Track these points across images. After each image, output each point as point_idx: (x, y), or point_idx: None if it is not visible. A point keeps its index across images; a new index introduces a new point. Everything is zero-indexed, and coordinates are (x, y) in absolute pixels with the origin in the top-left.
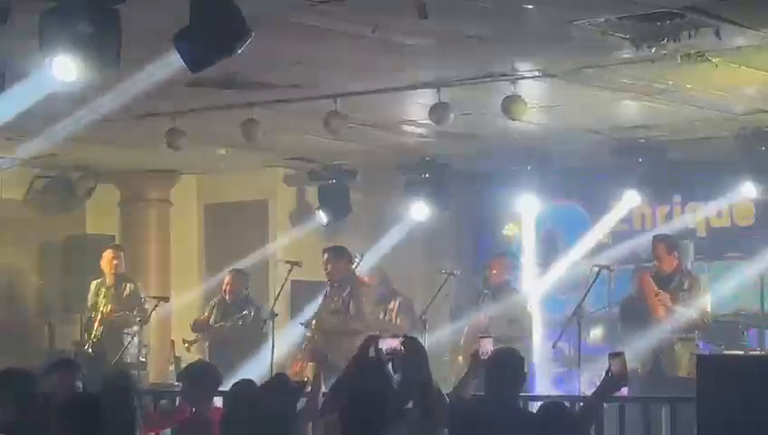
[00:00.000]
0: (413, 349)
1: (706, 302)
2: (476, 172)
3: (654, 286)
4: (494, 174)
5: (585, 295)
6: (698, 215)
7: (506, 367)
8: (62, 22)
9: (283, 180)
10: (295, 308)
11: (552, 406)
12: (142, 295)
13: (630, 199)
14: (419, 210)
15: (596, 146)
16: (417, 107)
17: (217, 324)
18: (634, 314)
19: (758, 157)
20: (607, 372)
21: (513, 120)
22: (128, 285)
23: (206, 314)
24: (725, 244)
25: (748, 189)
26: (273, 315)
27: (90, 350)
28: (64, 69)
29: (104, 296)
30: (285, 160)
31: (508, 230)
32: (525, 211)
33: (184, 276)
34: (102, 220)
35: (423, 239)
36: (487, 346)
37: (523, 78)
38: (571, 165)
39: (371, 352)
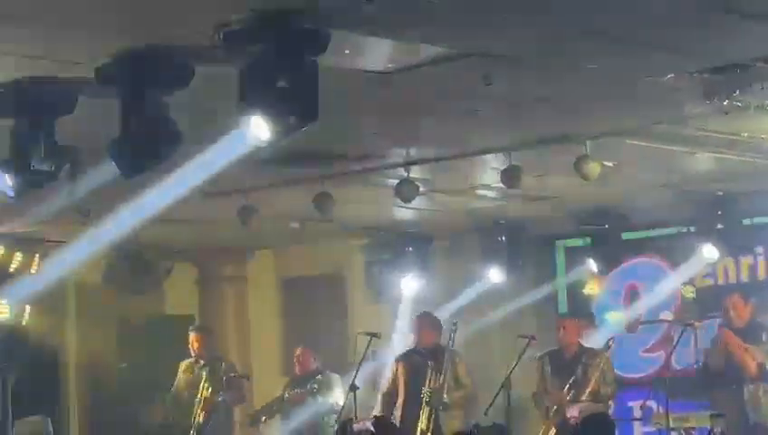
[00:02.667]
0: (383, 428)
1: None
2: (550, 234)
3: (740, 341)
4: (570, 234)
5: (671, 353)
6: None
7: (599, 431)
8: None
9: (359, 251)
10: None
11: None
12: (233, 373)
13: (708, 253)
14: (496, 274)
15: (671, 202)
16: (488, 171)
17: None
18: (722, 369)
19: None
20: (709, 433)
21: (586, 180)
22: (222, 364)
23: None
24: None
25: None
26: (355, 388)
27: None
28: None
29: (205, 381)
30: (360, 231)
31: (588, 289)
32: (601, 270)
33: (264, 352)
34: (181, 299)
35: (498, 303)
36: (574, 412)
37: (594, 138)
38: (648, 221)
39: (347, 433)
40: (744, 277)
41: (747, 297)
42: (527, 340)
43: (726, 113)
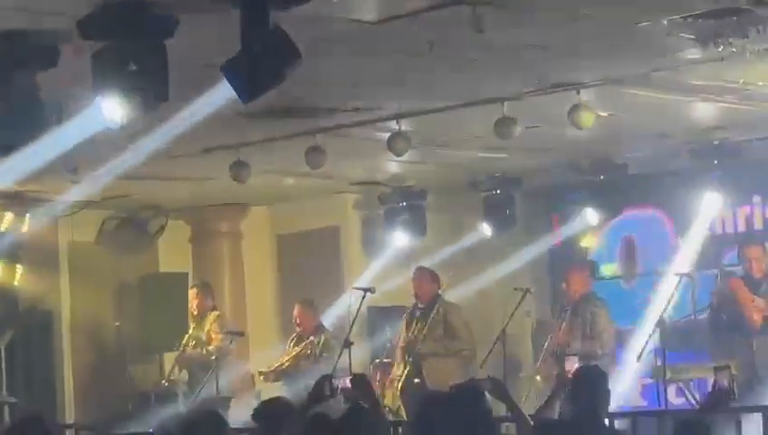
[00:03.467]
0: (360, 385)
1: None
2: (548, 185)
3: (748, 292)
4: (566, 186)
5: (667, 305)
6: None
7: (589, 385)
8: (112, 62)
9: (353, 206)
10: (374, 335)
11: None
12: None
13: (712, 203)
14: (488, 228)
15: (669, 151)
16: (481, 122)
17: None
18: (727, 320)
19: None
20: (713, 386)
21: (581, 129)
22: (211, 313)
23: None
24: None
25: None
26: (349, 344)
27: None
28: (113, 109)
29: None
30: (353, 186)
31: (586, 242)
32: (604, 222)
33: (260, 308)
34: (175, 257)
35: (495, 256)
36: (574, 365)
37: (588, 86)
38: (645, 171)
39: (326, 390)
40: (741, 227)
41: (763, 246)
42: (523, 293)
43: (722, 60)
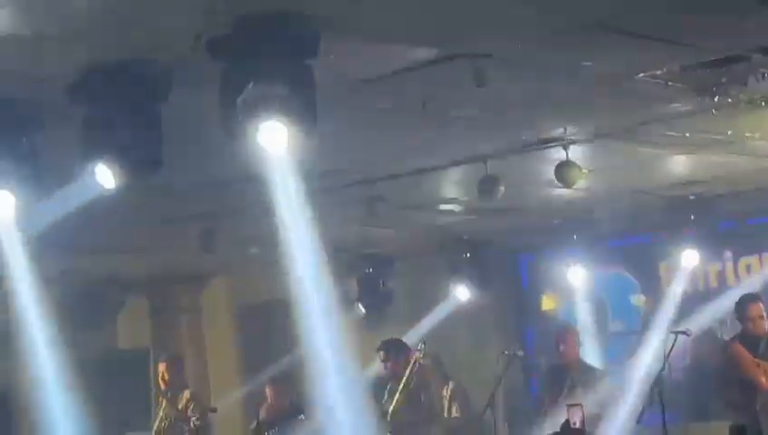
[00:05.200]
0: None
1: None
2: (519, 247)
3: (751, 357)
4: (538, 247)
5: (665, 364)
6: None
7: None
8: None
9: None
10: None
11: None
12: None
13: (689, 259)
14: (462, 292)
15: (645, 206)
16: (456, 184)
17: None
18: (732, 386)
19: None
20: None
21: (570, 186)
22: (184, 392)
23: None
24: None
25: None
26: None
27: None
28: (106, 176)
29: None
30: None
31: (545, 305)
32: (575, 282)
33: (223, 383)
34: (135, 333)
35: (467, 322)
36: (578, 415)
37: (577, 142)
38: (619, 229)
39: None
40: (713, 284)
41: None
42: (508, 356)
43: (714, 111)
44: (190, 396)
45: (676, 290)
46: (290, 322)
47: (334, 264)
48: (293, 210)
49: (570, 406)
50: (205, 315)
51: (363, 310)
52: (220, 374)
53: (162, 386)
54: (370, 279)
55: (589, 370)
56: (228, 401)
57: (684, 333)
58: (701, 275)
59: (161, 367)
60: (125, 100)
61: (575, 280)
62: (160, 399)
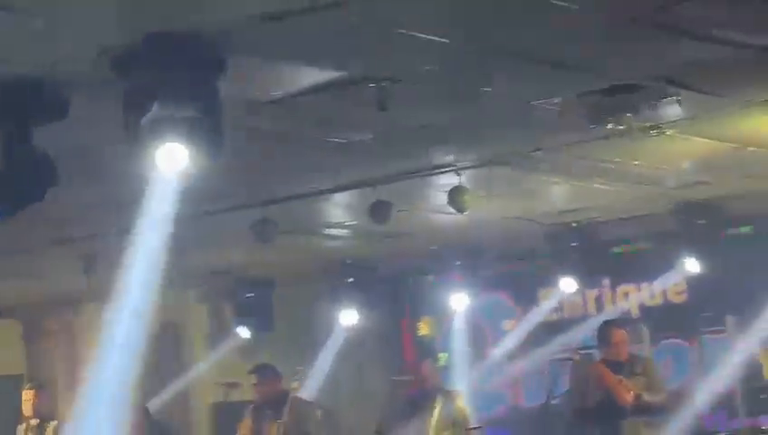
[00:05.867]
0: None
1: (663, 384)
2: (402, 271)
3: (612, 375)
4: (423, 272)
5: (551, 389)
6: (633, 297)
7: None
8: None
9: (194, 299)
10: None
11: None
12: None
13: (567, 286)
14: (347, 317)
15: (528, 233)
16: (345, 208)
17: None
18: (596, 405)
19: (698, 230)
20: None
21: (462, 212)
22: (51, 423)
23: None
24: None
25: (689, 265)
26: None
27: None
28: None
29: None
30: (198, 277)
31: (422, 330)
32: (455, 307)
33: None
34: (7, 358)
35: (350, 347)
36: None
37: (470, 167)
38: (500, 255)
39: None
40: (592, 310)
41: (628, 332)
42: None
43: (606, 138)
44: (55, 429)
45: (536, 318)
46: (172, 346)
47: (213, 288)
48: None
49: (469, 430)
50: (79, 339)
51: (244, 335)
52: None
53: (28, 414)
54: (251, 304)
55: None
56: None
57: (569, 359)
58: (579, 302)
59: (29, 394)
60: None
61: (456, 305)
62: (25, 428)
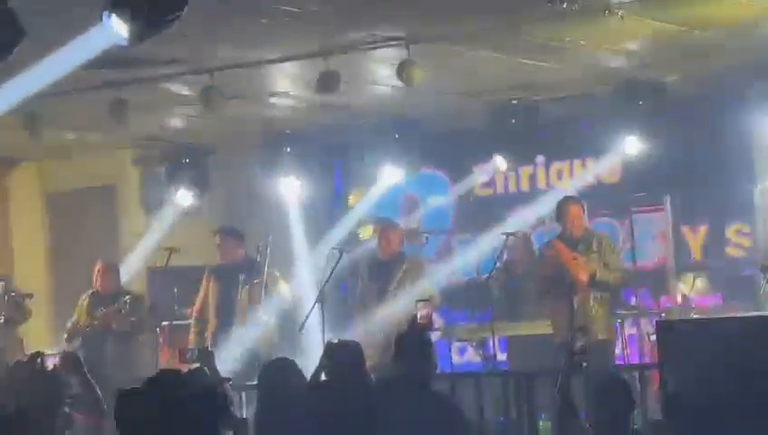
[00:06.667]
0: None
1: (619, 262)
2: (342, 143)
3: (570, 252)
4: (360, 144)
5: (496, 263)
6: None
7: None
8: None
9: (132, 163)
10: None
11: None
12: (13, 292)
13: (497, 164)
14: (287, 186)
15: (468, 110)
16: (289, 78)
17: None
18: (553, 282)
19: (638, 110)
20: (570, 349)
21: (410, 85)
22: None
23: (79, 316)
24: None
25: (628, 145)
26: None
27: None
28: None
29: None
30: (136, 142)
31: (352, 200)
32: (389, 181)
33: (29, 272)
34: None
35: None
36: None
37: (420, 41)
38: (439, 131)
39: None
40: (525, 187)
41: (584, 207)
42: (340, 252)
43: (563, 19)
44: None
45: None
46: (103, 210)
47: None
48: None
49: (419, 301)
50: (12, 201)
51: (184, 201)
52: (27, 262)
53: None
54: (187, 169)
55: (413, 261)
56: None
57: (513, 234)
58: (512, 179)
59: None
60: None
61: (389, 179)
62: None
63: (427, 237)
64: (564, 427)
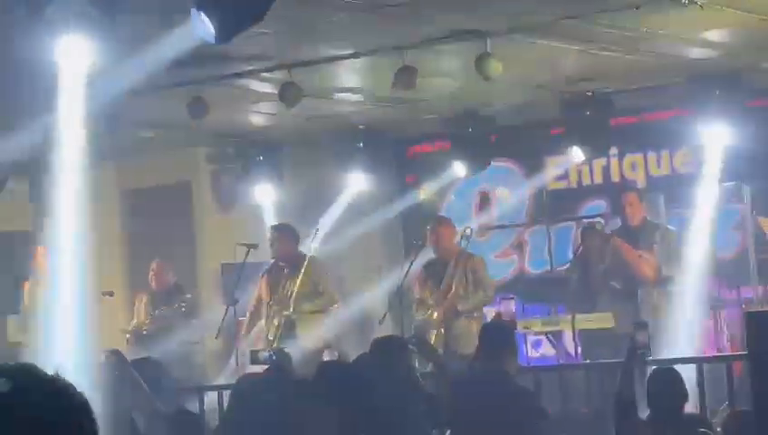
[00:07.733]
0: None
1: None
2: (410, 138)
3: (632, 249)
4: (430, 137)
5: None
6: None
7: (499, 340)
8: None
9: (206, 160)
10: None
11: None
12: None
13: (575, 155)
14: (357, 181)
15: (541, 102)
16: (363, 73)
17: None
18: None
19: (714, 101)
20: (632, 343)
21: (488, 79)
22: None
23: (138, 318)
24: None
25: (708, 136)
26: (235, 301)
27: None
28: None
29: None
30: (211, 139)
31: (424, 194)
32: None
33: (106, 268)
34: (16, 215)
35: (360, 211)
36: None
37: (497, 34)
38: (512, 124)
39: None
40: (598, 179)
41: (641, 195)
42: (419, 245)
43: (637, 8)
44: None
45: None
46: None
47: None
48: None
49: (503, 298)
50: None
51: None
52: (104, 260)
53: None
54: (262, 165)
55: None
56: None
57: (589, 227)
58: (586, 171)
59: (41, 250)
60: None
61: (458, 173)
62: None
63: (470, 230)
64: (620, 427)
